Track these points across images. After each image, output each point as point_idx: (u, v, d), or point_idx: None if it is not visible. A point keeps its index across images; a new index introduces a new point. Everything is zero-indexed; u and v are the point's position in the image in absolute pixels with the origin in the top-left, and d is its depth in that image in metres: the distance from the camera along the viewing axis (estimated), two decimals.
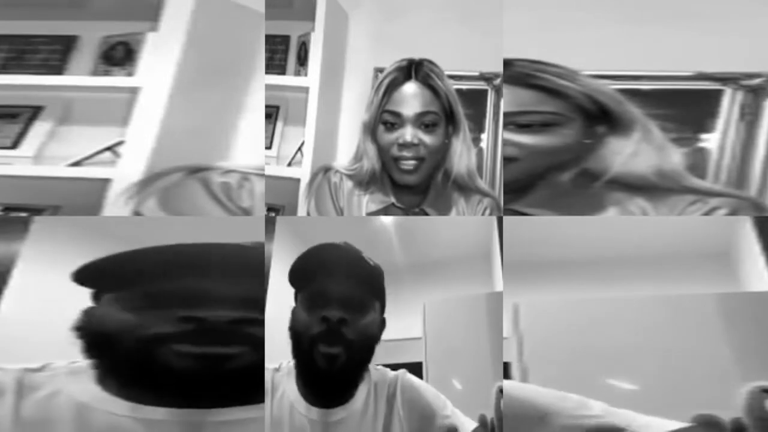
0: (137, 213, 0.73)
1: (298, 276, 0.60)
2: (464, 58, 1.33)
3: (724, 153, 1.32)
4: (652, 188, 0.67)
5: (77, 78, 1.33)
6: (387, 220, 1.77)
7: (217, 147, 1.37)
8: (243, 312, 0.44)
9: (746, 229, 1.46)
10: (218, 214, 0.72)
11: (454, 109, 0.86)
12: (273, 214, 1.37)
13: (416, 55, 0.87)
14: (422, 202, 0.91)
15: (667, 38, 1.29)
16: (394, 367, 0.66)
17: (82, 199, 1.12)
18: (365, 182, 0.90)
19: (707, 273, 1.59)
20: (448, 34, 1.40)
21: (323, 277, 0.57)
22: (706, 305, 1.25)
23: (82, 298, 0.45)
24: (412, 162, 0.83)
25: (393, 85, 0.84)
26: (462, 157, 0.88)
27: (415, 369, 0.63)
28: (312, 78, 1.27)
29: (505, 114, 0.69)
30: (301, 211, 1.14)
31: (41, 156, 1.30)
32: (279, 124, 1.46)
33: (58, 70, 1.40)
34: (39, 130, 1.33)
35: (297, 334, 0.57)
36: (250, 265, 0.47)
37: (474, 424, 0.54)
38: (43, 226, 1.14)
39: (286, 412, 0.56)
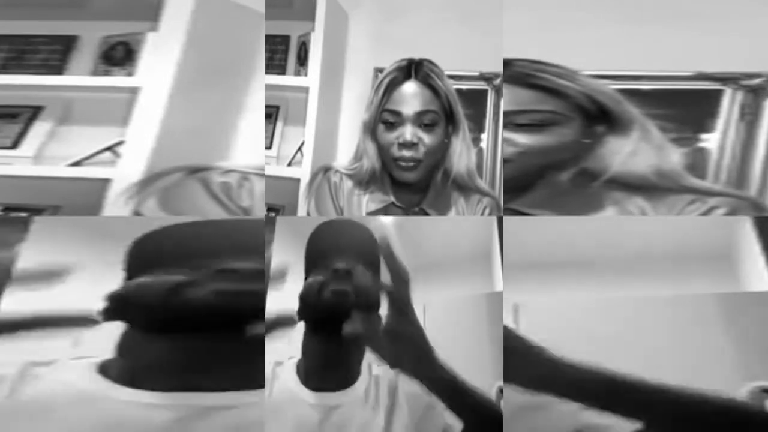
0: (137, 213, 0.73)
1: (311, 257, 0.62)
2: (464, 58, 1.33)
3: (724, 153, 1.32)
4: (651, 188, 0.67)
5: (77, 78, 1.33)
6: (387, 220, 1.77)
7: (217, 147, 1.37)
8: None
9: (746, 229, 1.46)
10: (218, 214, 0.72)
11: (453, 109, 0.86)
12: (273, 214, 1.37)
13: (416, 55, 0.87)
14: (422, 202, 0.91)
15: (667, 38, 1.29)
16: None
17: (82, 199, 1.12)
18: (365, 181, 0.90)
19: (707, 273, 1.59)
20: (448, 34, 1.41)
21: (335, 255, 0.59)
22: (706, 305, 1.25)
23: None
24: (412, 160, 0.84)
25: (393, 85, 0.84)
26: (462, 156, 0.89)
27: None
28: (312, 78, 1.27)
29: (505, 113, 0.69)
30: (301, 211, 1.14)
31: (41, 156, 1.30)
32: (279, 124, 1.46)
33: (58, 70, 1.40)
34: (39, 130, 1.33)
35: (306, 293, 0.58)
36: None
37: None
38: (43, 226, 1.14)
39: (285, 397, 0.56)
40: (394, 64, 0.86)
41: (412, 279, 0.49)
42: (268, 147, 1.42)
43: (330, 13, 1.32)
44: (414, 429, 0.57)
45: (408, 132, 0.82)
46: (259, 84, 1.38)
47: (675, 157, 0.69)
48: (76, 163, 1.22)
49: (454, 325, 1.46)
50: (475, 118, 1.42)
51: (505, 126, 0.69)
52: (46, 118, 1.36)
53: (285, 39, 1.50)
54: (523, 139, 0.67)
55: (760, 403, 0.75)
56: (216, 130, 1.37)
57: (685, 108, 1.33)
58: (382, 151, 0.86)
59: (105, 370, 0.44)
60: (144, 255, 0.50)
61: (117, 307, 0.45)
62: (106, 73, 1.33)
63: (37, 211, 1.28)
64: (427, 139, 0.83)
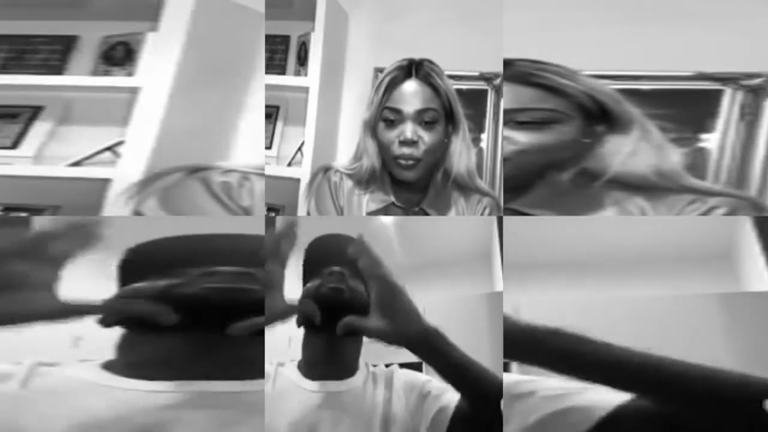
0: (138, 213, 0.73)
1: (309, 265, 0.65)
2: (464, 58, 1.33)
3: (724, 153, 1.32)
4: (651, 188, 0.67)
5: (77, 78, 1.33)
6: (387, 220, 1.77)
7: (217, 147, 1.37)
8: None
9: (746, 229, 1.46)
10: (219, 213, 0.72)
11: (453, 109, 0.86)
12: (273, 214, 1.37)
13: (416, 55, 0.87)
14: (422, 201, 0.91)
15: (667, 38, 1.29)
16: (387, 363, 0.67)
17: (82, 199, 1.13)
18: (365, 180, 0.90)
19: (707, 273, 1.59)
20: (448, 34, 1.41)
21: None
22: (706, 305, 1.25)
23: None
24: (412, 158, 0.84)
25: (394, 83, 0.84)
26: (461, 156, 0.89)
27: (415, 369, 0.65)
28: (312, 78, 1.27)
29: (505, 111, 0.69)
30: (301, 211, 1.14)
31: (41, 156, 1.30)
32: (279, 124, 1.46)
33: (58, 70, 1.40)
34: (39, 130, 1.33)
35: (304, 295, 0.61)
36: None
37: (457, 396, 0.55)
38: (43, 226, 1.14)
39: (285, 387, 0.58)
40: (395, 63, 0.86)
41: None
42: (268, 147, 1.42)
43: (330, 13, 1.32)
44: (409, 417, 0.58)
45: (408, 129, 0.82)
46: (259, 84, 1.38)
47: (675, 157, 0.68)
48: (76, 163, 1.22)
49: (454, 325, 1.46)
50: (475, 118, 1.42)
51: (506, 124, 0.69)
52: (46, 118, 1.36)
53: (285, 39, 1.50)
54: (523, 137, 0.67)
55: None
56: (216, 130, 1.37)
57: (685, 108, 1.33)
58: (383, 149, 0.87)
59: (109, 367, 0.46)
60: (137, 264, 0.51)
61: (114, 312, 0.45)
62: (106, 73, 1.33)
63: (37, 211, 1.28)
64: (427, 137, 0.83)
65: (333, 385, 0.59)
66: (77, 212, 1.25)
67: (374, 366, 0.65)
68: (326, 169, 0.94)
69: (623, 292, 1.51)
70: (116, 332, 0.49)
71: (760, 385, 0.38)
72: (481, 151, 1.42)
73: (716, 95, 1.31)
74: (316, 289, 0.59)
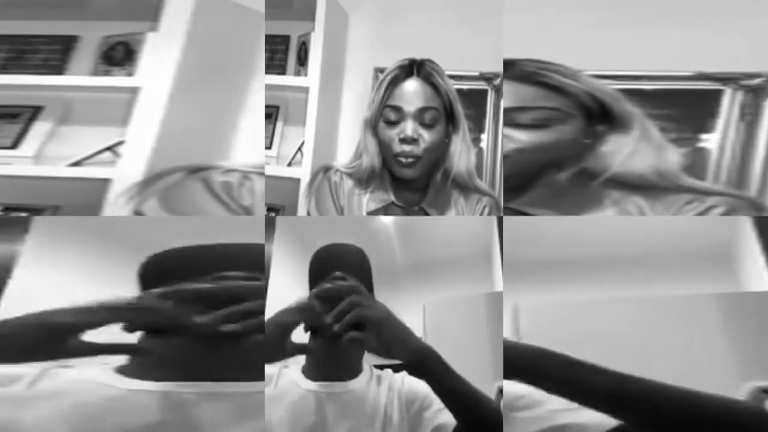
0: (138, 213, 0.73)
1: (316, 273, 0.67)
2: (464, 58, 1.33)
3: (724, 153, 1.32)
4: (649, 187, 0.67)
5: (77, 78, 1.33)
6: (387, 220, 1.77)
7: (217, 147, 1.37)
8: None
9: (746, 229, 1.46)
10: (219, 213, 0.72)
11: (454, 108, 0.86)
12: (273, 214, 1.37)
13: (416, 55, 0.87)
14: (422, 201, 0.91)
15: (667, 38, 1.29)
16: (395, 368, 0.67)
17: (82, 199, 1.13)
18: (365, 179, 0.90)
19: (707, 273, 1.59)
20: (448, 34, 1.41)
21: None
22: (706, 305, 1.25)
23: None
24: (412, 156, 0.84)
25: (395, 82, 0.84)
26: (461, 156, 0.89)
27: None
28: (312, 78, 1.27)
29: (506, 109, 0.69)
30: (302, 210, 1.14)
31: (41, 156, 1.30)
32: (279, 124, 1.46)
33: (58, 70, 1.40)
34: (39, 130, 1.33)
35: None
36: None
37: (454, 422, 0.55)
38: (43, 226, 1.14)
39: (287, 388, 0.59)
40: (396, 62, 0.86)
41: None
42: (268, 147, 1.42)
43: (330, 13, 1.32)
44: (407, 426, 0.58)
45: (409, 127, 0.83)
46: (259, 84, 1.38)
47: (674, 158, 0.69)
48: (76, 163, 1.22)
49: (454, 325, 1.46)
50: (475, 118, 1.42)
51: (507, 122, 0.69)
52: (46, 118, 1.36)
53: (285, 39, 1.50)
54: (523, 136, 0.67)
55: (759, 404, 0.75)
56: (216, 130, 1.37)
57: (685, 108, 1.33)
58: (383, 147, 0.87)
59: (122, 370, 0.46)
60: (155, 273, 0.53)
61: (137, 318, 0.46)
62: (106, 73, 1.33)
63: (37, 211, 1.28)
64: (427, 135, 0.83)
65: (336, 386, 0.59)
66: (77, 212, 1.25)
67: (380, 369, 0.66)
68: (326, 169, 0.94)
69: (623, 291, 1.51)
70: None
71: (749, 411, 0.38)
72: (481, 151, 1.43)
73: (716, 95, 1.31)
74: (323, 290, 0.59)
